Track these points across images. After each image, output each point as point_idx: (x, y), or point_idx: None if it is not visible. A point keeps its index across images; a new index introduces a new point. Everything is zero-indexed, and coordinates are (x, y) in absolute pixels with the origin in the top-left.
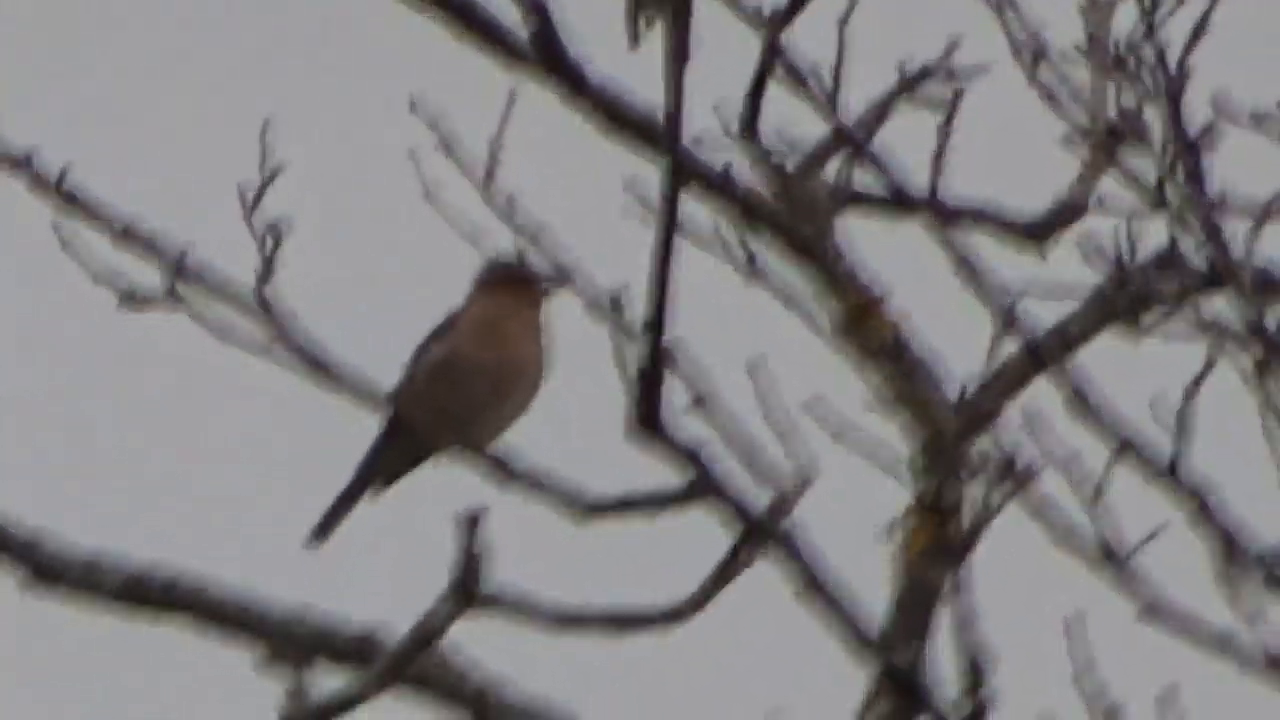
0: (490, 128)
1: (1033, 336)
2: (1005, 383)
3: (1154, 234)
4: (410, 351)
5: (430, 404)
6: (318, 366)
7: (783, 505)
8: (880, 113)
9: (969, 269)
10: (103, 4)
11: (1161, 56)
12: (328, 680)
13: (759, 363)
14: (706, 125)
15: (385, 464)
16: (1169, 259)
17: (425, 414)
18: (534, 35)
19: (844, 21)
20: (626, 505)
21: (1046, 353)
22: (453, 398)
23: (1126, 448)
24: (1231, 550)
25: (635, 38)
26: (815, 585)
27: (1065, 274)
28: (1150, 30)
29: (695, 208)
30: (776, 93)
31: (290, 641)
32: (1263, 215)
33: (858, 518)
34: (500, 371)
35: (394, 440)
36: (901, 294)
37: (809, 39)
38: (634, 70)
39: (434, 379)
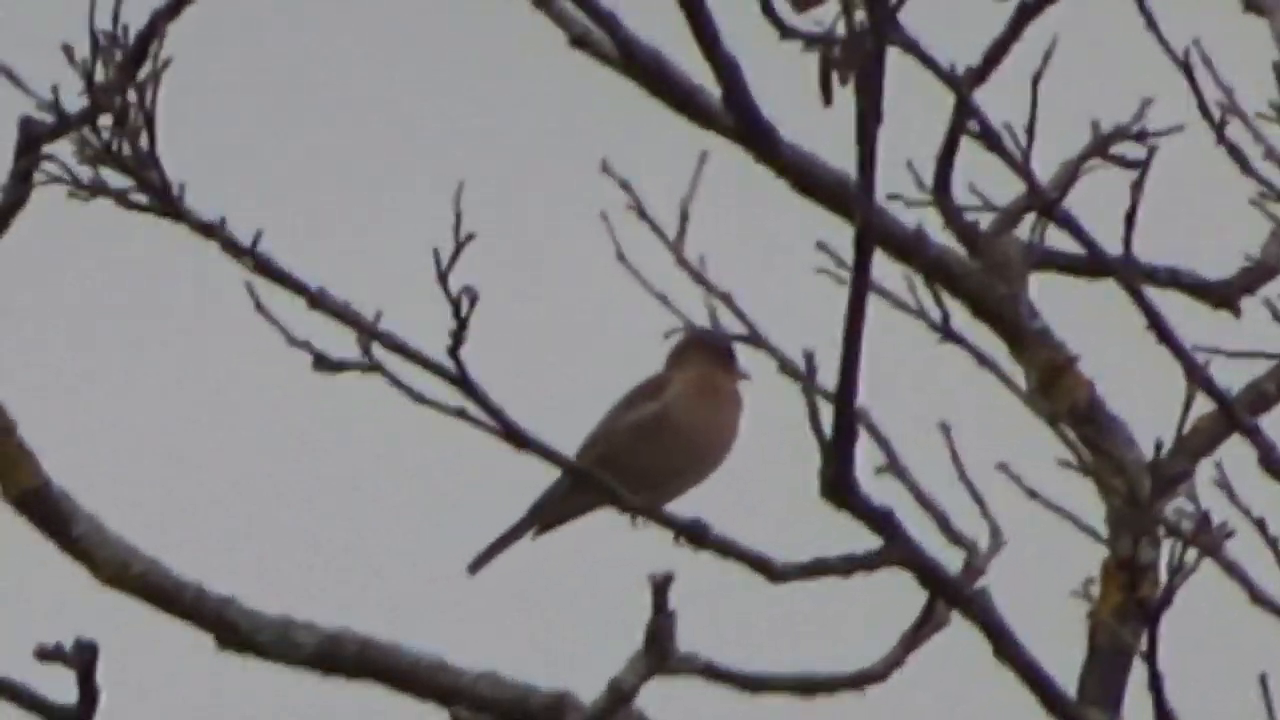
0: (681, 189)
1: (1226, 396)
2: (1198, 443)
3: None
4: (607, 409)
5: (629, 459)
6: (509, 428)
7: (975, 567)
8: (1073, 172)
9: (1161, 329)
10: (294, 73)
11: None
12: None
13: (950, 424)
14: (899, 185)
15: (559, 510)
16: None
17: (623, 470)
18: (726, 96)
19: (1037, 80)
20: (818, 568)
21: (1239, 412)
22: (654, 458)
23: None
24: None
25: (828, 97)
26: (1008, 647)
27: (1258, 334)
28: None
29: (888, 268)
30: (969, 152)
31: (482, 706)
32: None
33: (1051, 579)
34: (706, 438)
35: (576, 490)
36: (1094, 354)
37: (1002, 98)
38: (827, 130)
39: (640, 437)
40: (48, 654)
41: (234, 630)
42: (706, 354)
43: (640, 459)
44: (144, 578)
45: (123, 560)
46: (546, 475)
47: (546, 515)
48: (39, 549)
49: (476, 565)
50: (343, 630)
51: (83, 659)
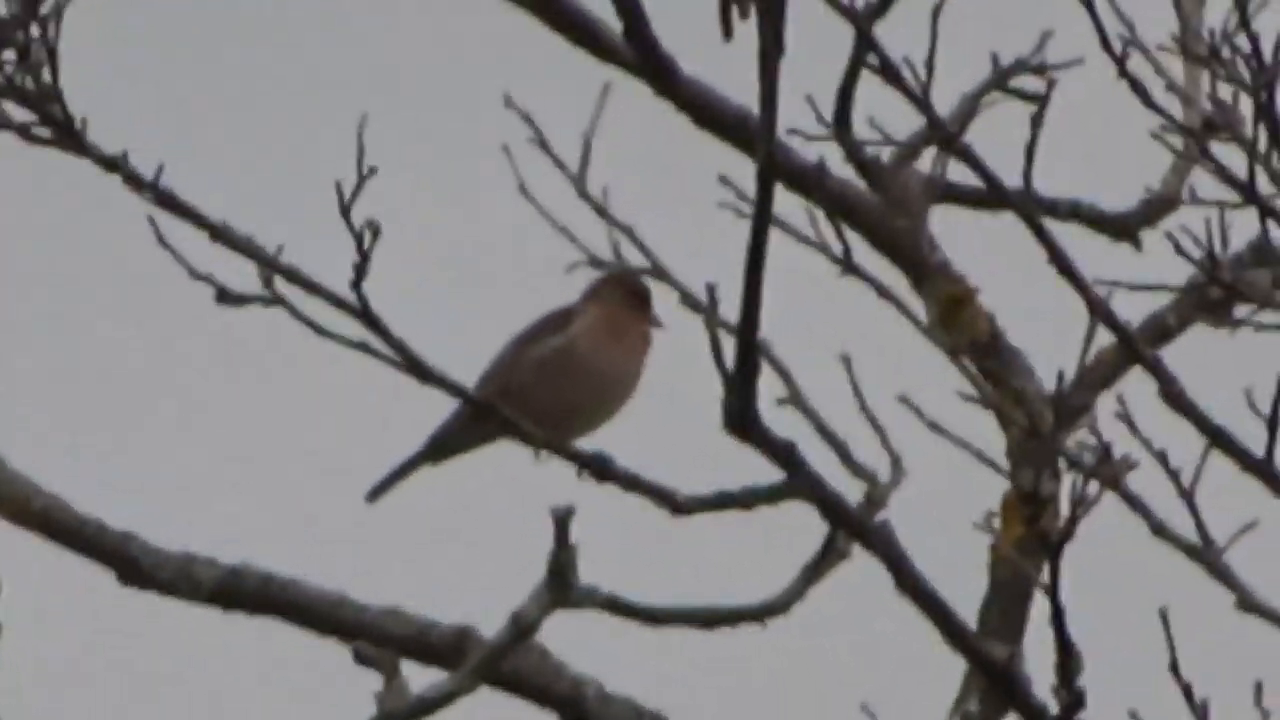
0: (584, 123)
1: (1126, 329)
2: (1100, 375)
3: (1246, 226)
4: (510, 337)
5: (534, 395)
6: (412, 361)
7: (876, 500)
8: (973, 106)
9: (1062, 262)
10: (197, 7)
11: (1255, 47)
12: (422, 678)
13: (851, 356)
14: (800, 120)
15: (460, 441)
16: (1261, 250)
17: (525, 404)
18: (627, 30)
19: (936, 14)
20: (721, 501)
21: (1140, 345)
22: (560, 392)
23: (1220, 440)
24: None
25: (728, 31)
26: (909, 579)
27: (1158, 267)
28: (1244, 21)
29: (789, 202)
30: (869, 86)
31: (384, 641)
32: None
33: (952, 511)
34: (612, 374)
35: (476, 420)
36: (995, 287)
37: (902, 32)
38: (727, 64)
39: (545, 372)
40: None
41: (135, 566)
42: (621, 293)
43: (542, 393)
44: (45, 513)
45: (24, 496)
46: (448, 408)
47: (446, 445)
48: None
49: (375, 494)
50: (243, 566)
51: None
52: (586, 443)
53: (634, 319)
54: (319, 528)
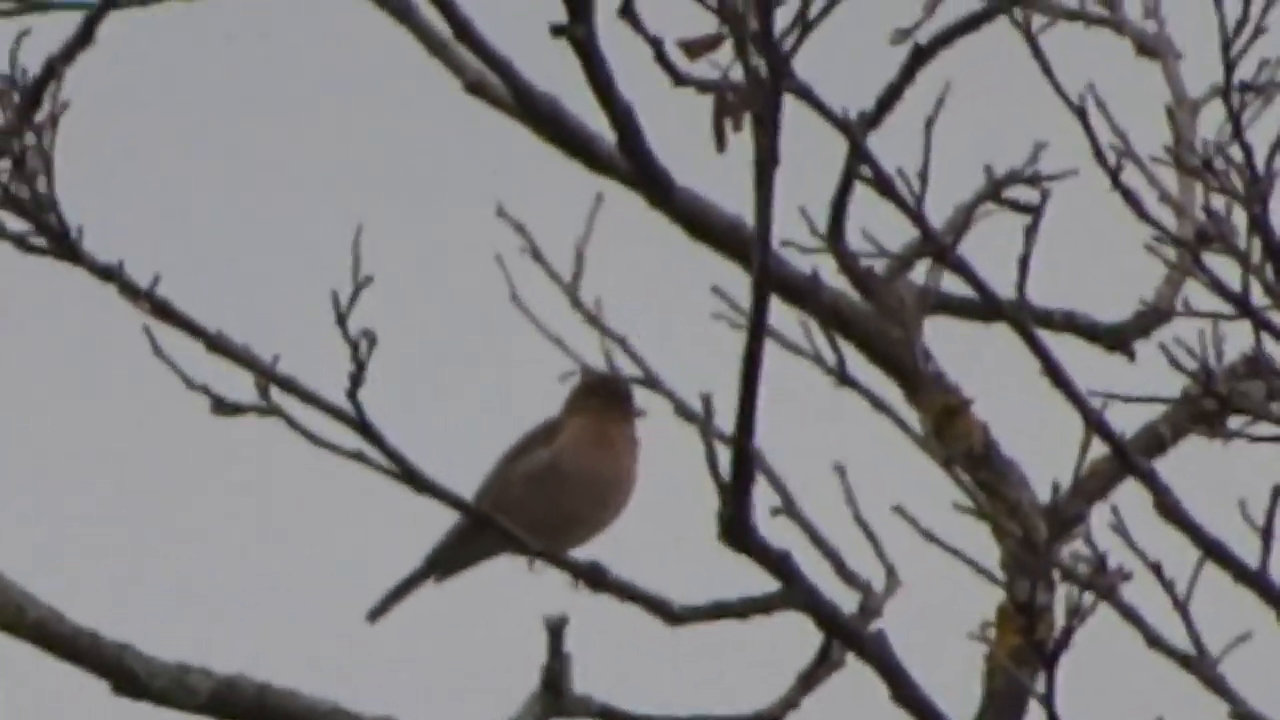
0: (577, 232)
1: (1120, 440)
2: (1094, 486)
3: (1240, 337)
4: (500, 454)
5: (525, 508)
6: (407, 471)
7: (871, 609)
8: (967, 216)
9: (1056, 373)
10: (190, 115)
11: (1249, 158)
12: None
13: (846, 466)
14: (793, 231)
15: (458, 556)
16: (1255, 362)
17: (518, 518)
18: (621, 142)
19: (930, 125)
20: (716, 611)
21: (1134, 456)
22: (550, 505)
23: (1214, 551)
24: None
25: (722, 144)
26: (904, 689)
27: (1152, 379)
28: (1238, 132)
29: (783, 313)
30: (863, 198)
31: None
32: None
33: (948, 622)
34: (601, 483)
35: (474, 536)
36: (989, 398)
37: (896, 143)
38: (721, 176)
39: (534, 485)
40: None
41: (130, 676)
42: (600, 398)
43: (533, 508)
44: (40, 624)
45: (18, 606)
46: (445, 518)
47: (445, 561)
48: None
49: (376, 613)
50: (239, 676)
51: None
52: (581, 552)
53: (617, 422)
54: (314, 638)
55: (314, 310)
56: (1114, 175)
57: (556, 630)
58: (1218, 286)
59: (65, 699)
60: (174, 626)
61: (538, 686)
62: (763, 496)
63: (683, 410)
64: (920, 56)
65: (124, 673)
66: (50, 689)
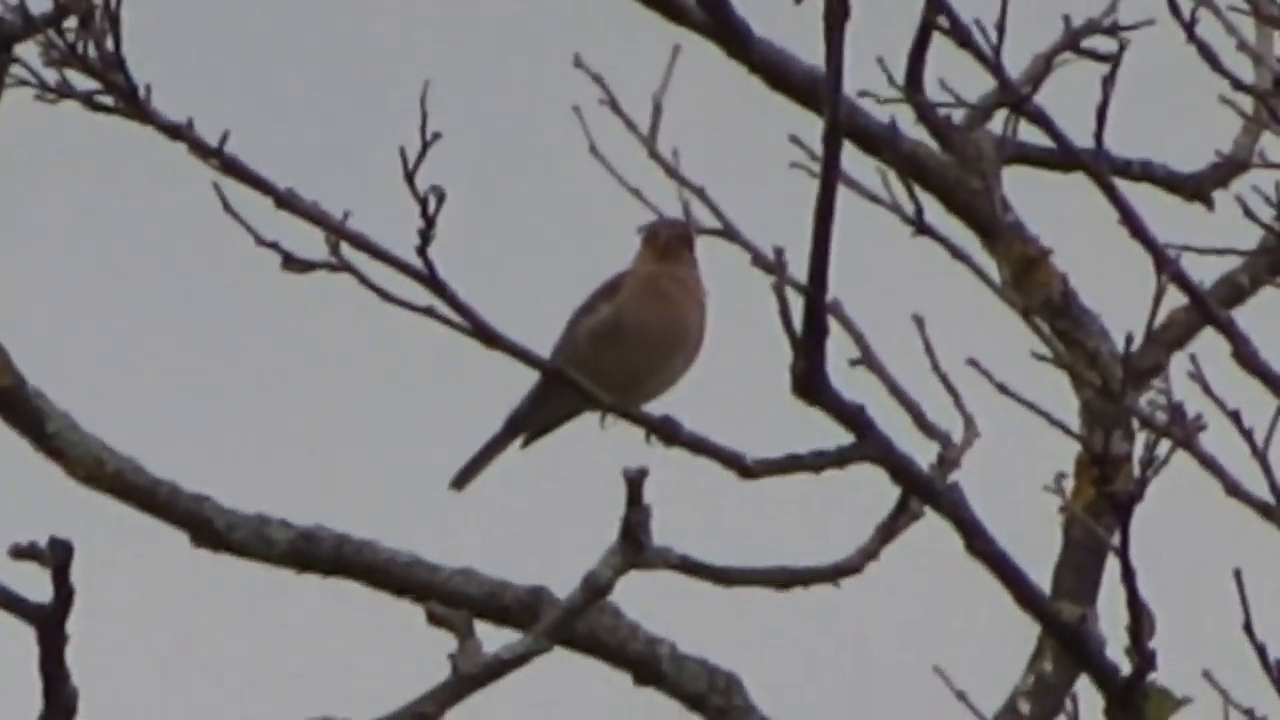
0: (654, 84)
1: (1198, 289)
2: (1172, 336)
3: None
4: (572, 310)
5: (593, 365)
6: (479, 326)
7: (948, 461)
8: (1044, 66)
9: (1133, 222)
10: None
11: None
12: (495, 639)
13: (923, 317)
14: (872, 82)
15: (537, 417)
16: None
17: (588, 374)
18: None
19: None
20: (790, 464)
21: (1212, 305)
22: (616, 360)
23: None
24: None
25: None
26: (981, 542)
27: (1230, 229)
28: None
29: (861, 163)
30: (940, 48)
31: (457, 601)
32: None
33: (1024, 472)
34: (664, 335)
35: (550, 395)
36: (1067, 248)
37: None
38: (799, 26)
39: (598, 341)
40: (22, 552)
41: (208, 527)
42: (655, 250)
43: (600, 364)
44: (118, 476)
45: (97, 458)
46: (517, 375)
47: (526, 421)
48: (13, 448)
49: (461, 480)
50: (317, 527)
51: (57, 557)
52: (654, 406)
53: (677, 271)
54: (391, 495)
55: (384, 167)
56: (1189, 27)
57: (636, 482)
58: None
59: (144, 551)
60: (252, 482)
61: (617, 537)
62: (840, 349)
63: (760, 261)
64: None
65: (202, 524)
66: (129, 542)
